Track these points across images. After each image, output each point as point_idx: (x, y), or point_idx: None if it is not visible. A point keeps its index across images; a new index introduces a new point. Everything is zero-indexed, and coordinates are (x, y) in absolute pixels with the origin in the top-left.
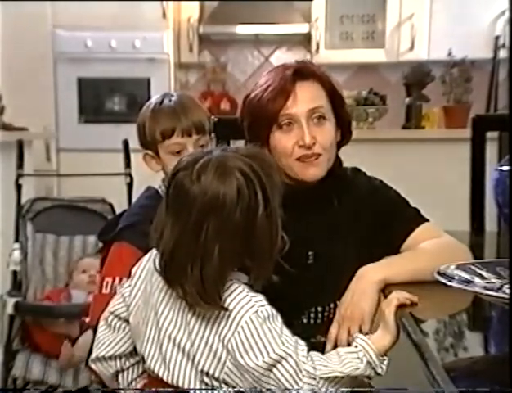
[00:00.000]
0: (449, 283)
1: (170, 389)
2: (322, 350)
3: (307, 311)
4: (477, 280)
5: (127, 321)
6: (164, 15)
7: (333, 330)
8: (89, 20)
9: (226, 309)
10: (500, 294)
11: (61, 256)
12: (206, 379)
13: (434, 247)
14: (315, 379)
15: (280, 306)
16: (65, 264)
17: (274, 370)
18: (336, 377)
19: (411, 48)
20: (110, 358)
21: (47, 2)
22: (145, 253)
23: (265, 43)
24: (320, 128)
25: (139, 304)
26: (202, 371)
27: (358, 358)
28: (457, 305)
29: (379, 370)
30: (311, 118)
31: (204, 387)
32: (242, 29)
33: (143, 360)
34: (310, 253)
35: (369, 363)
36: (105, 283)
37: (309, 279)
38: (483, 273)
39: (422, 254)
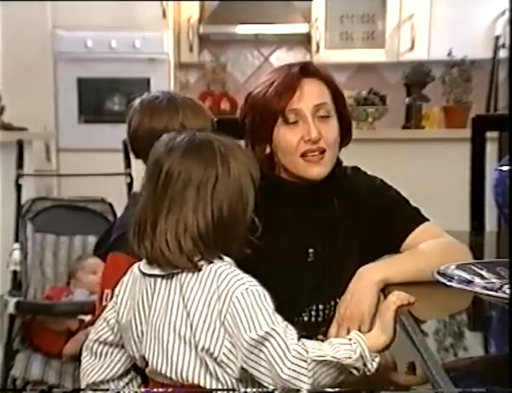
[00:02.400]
0: (449, 283)
1: (170, 389)
2: None
3: (308, 309)
4: (477, 280)
5: (113, 345)
6: (164, 15)
7: (332, 330)
8: (89, 20)
9: (200, 270)
10: (500, 294)
11: (61, 256)
12: (208, 360)
13: (434, 247)
14: (306, 361)
15: (281, 303)
16: (65, 263)
17: (262, 347)
18: (328, 361)
19: (411, 48)
20: (102, 382)
21: (47, 2)
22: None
23: (265, 43)
24: (325, 124)
25: (129, 311)
26: (203, 349)
27: (351, 349)
28: (457, 305)
29: (370, 366)
30: (316, 114)
31: (206, 375)
32: (242, 29)
33: (146, 364)
34: (310, 251)
35: (361, 356)
36: (104, 295)
37: (310, 277)
38: (483, 273)
39: (422, 254)
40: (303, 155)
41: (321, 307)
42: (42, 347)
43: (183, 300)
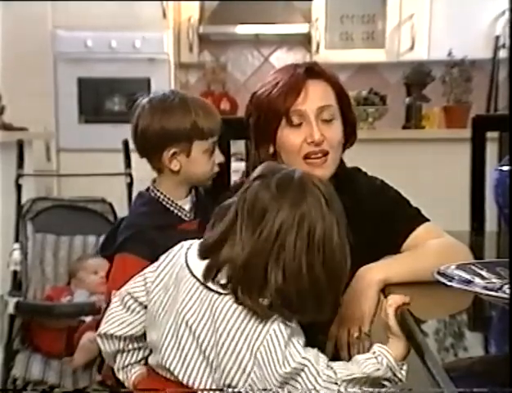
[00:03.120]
0: (449, 283)
1: (172, 389)
2: (323, 350)
3: None
4: (477, 280)
5: (142, 305)
6: (164, 15)
7: (333, 330)
8: (89, 20)
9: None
10: (500, 294)
11: (61, 256)
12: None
13: (435, 247)
14: (336, 383)
15: None
16: (65, 264)
17: (297, 377)
18: (357, 379)
19: (411, 48)
20: (117, 337)
21: (48, 2)
22: (150, 260)
23: (265, 43)
24: (328, 127)
25: (160, 294)
26: (225, 383)
27: (378, 362)
28: (457, 305)
29: (399, 375)
30: (320, 116)
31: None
32: (242, 29)
33: (157, 352)
34: None
35: (389, 367)
36: (112, 296)
37: None
38: (483, 273)
39: (422, 254)
40: (306, 157)
41: None
42: (42, 347)
43: (215, 323)
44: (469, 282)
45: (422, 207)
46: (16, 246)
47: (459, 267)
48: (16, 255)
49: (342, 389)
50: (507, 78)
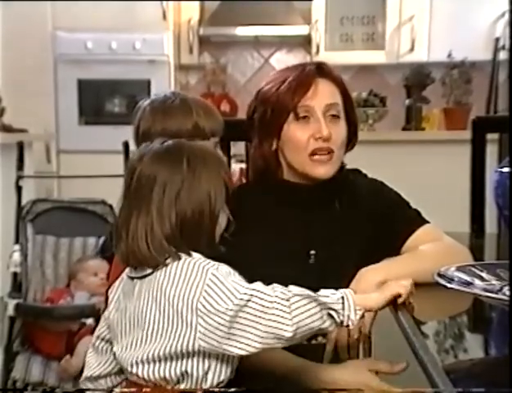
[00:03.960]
0: (449, 285)
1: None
2: (322, 352)
3: None
4: (477, 282)
5: (110, 342)
6: (164, 16)
7: (332, 331)
8: (89, 22)
9: (167, 266)
10: (500, 296)
11: (61, 258)
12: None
13: (434, 249)
14: (285, 297)
15: None
16: (65, 265)
17: (246, 309)
18: (307, 298)
19: (411, 50)
20: (99, 377)
21: (48, 3)
22: None
23: (265, 45)
24: (334, 125)
25: (115, 311)
26: (176, 344)
27: (333, 293)
28: (457, 307)
29: (351, 315)
30: (327, 113)
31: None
32: (242, 31)
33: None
34: (312, 252)
35: (342, 300)
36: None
37: (311, 278)
38: (483, 274)
39: (422, 255)
40: (312, 153)
41: None
42: (42, 349)
43: (155, 300)
44: (468, 283)
45: (422, 209)
46: (16, 247)
47: (459, 268)
48: (16, 256)
49: (292, 300)
50: (507, 79)
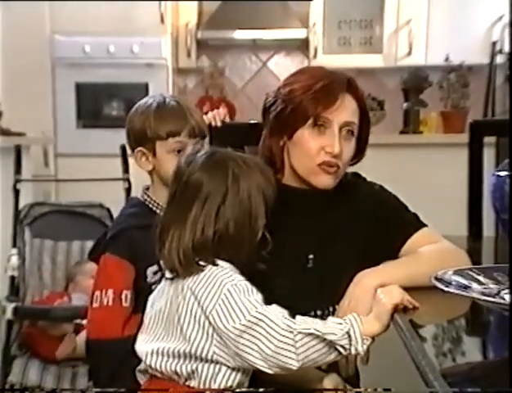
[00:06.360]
0: (446, 289)
1: (171, 389)
2: None
3: (307, 314)
4: (474, 285)
5: None
6: (162, 20)
7: None
8: (87, 26)
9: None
10: (497, 300)
11: (59, 261)
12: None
13: (432, 252)
14: (292, 333)
15: None
16: (63, 269)
17: (251, 331)
18: (314, 335)
19: (409, 53)
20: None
21: (46, 7)
22: (130, 261)
23: (263, 48)
24: (346, 142)
25: (151, 305)
26: (194, 350)
27: (340, 328)
28: (455, 311)
29: (359, 347)
30: (343, 129)
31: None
32: (240, 34)
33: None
34: (310, 256)
35: (348, 334)
36: (94, 298)
37: (309, 282)
38: (481, 278)
39: (420, 259)
40: (319, 164)
41: (319, 313)
42: (39, 353)
43: (178, 303)
44: (466, 287)
45: (420, 212)
46: (14, 251)
47: (456, 272)
48: (14, 260)
49: (297, 338)
50: (507, 83)
